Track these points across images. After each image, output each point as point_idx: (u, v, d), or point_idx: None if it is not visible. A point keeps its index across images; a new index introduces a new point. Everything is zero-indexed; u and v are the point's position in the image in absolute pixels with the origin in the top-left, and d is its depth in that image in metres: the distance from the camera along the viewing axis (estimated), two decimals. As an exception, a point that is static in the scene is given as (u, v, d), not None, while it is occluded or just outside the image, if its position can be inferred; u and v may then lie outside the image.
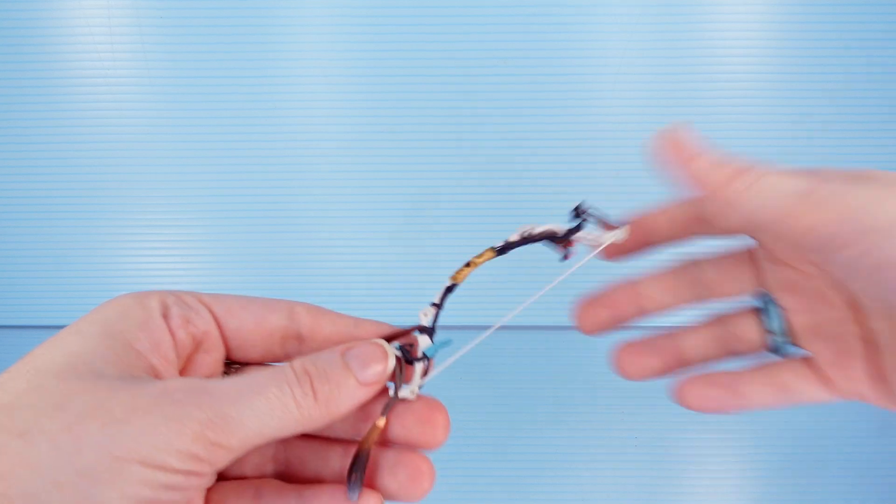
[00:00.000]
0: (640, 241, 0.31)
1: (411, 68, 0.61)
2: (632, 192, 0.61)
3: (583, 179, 0.62)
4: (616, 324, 0.32)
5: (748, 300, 0.30)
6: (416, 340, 0.26)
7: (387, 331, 0.27)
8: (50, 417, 0.20)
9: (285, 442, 0.27)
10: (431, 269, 0.63)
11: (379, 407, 0.25)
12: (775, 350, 0.29)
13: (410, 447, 0.25)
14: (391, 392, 0.25)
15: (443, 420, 0.25)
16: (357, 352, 0.24)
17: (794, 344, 0.29)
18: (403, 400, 0.25)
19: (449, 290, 0.27)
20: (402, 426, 0.25)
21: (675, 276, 0.31)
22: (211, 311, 0.25)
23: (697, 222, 0.30)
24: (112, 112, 0.62)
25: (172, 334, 0.24)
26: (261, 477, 0.27)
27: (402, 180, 0.63)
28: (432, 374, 0.26)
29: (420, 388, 0.25)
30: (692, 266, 0.31)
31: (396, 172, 0.63)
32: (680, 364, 0.31)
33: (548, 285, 0.28)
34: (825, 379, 0.28)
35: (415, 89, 0.61)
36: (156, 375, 0.23)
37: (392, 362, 0.24)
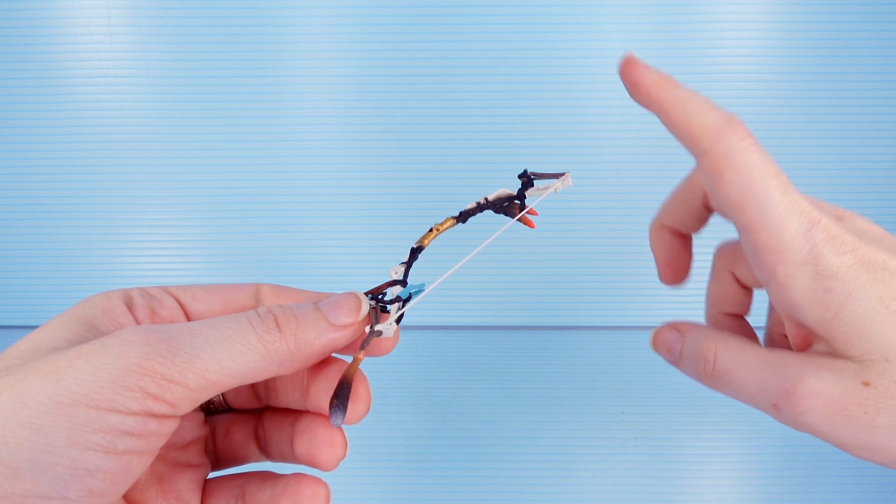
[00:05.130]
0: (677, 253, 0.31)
1: (411, 68, 0.61)
2: (632, 192, 0.61)
3: (583, 179, 0.62)
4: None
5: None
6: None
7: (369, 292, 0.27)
8: None
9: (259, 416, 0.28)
10: (433, 270, 0.63)
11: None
12: None
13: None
14: (367, 329, 0.25)
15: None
16: (329, 299, 0.24)
17: None
18: (380, 334, 0.25)
19: (415, 251, 0.28)
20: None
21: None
22: (177, 300, 0.25)
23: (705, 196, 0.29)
24: (111, 112, 0.62)
25: (138, 323, 0.24)
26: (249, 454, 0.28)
27: (403, 181, 0.63)
28: (409, 306, 0.26)
29: (398, 322, 0.25)
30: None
31: (396, 173, 0.63)
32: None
33: (493, 235, 0.28)
34: None
35: (415, 89, 0.61)
36: None
37: (366, 306, 0.24)
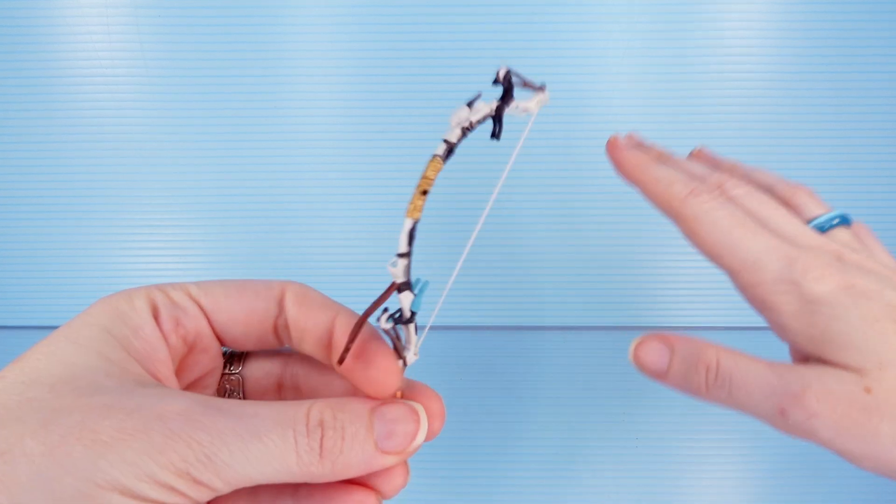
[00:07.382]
0: None
1: (411, 68, 0.61)
2: (632, 192, 0.61)
3: (583, 179, 0.62)
4: None
5: None
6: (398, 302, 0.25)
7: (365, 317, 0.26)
8: (34, 436, 0.19)
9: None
10: (433, 270, 0.63)
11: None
12: None
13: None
14: (400, 364, 0.24)
15: (440, 410, 0.25)
16: (388, 415, 0.22)
17: None
18: (406, 364, 0.24)
19: (412, 231, 0.24)
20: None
21: None
22: (200, 307, 0.25)
23: None
24: (110, 113, 0.62)
25: (165, 339, 0.24)
26: None
27: (403, 181, 0.63)
28: (424, 334, 0.25)
29: (419, 345, 0.25)
30: None
31: (396, 173, 0.63)
32: None
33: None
34: None
35: (415, 89, 0.61)
36: (156, 380, 0.23)
37: (424, 431, 0.22)
